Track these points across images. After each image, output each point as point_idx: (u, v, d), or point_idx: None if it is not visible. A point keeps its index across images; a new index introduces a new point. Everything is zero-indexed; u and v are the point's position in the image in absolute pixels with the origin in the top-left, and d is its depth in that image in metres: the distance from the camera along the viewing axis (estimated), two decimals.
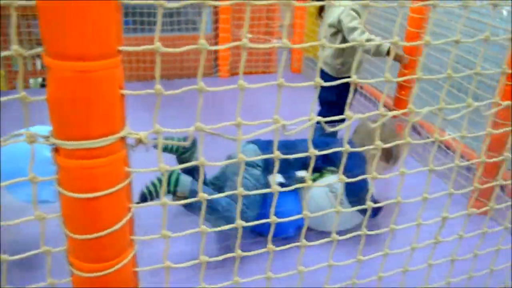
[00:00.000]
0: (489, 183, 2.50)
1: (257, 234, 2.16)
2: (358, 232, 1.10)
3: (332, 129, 0.91)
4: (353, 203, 2.14)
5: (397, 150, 2.44)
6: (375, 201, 1.08)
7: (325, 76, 2.89)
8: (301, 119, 0.91)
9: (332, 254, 1.10)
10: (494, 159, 1.18)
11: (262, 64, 4.75)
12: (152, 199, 1.98)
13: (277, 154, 0.91)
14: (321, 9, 2.98)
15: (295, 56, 4.86)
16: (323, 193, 2.33)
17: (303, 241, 1.05)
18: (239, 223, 0.96)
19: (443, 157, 2.86)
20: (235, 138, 0.86)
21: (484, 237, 1.28)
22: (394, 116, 0.97)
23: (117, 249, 0.88)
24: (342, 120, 0.92)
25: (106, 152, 0.77)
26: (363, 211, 1.12)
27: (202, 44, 0.83)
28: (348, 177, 1.01)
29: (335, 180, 1.08)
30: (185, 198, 1.94)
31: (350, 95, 0.92)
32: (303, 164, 2.18)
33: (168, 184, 1.96)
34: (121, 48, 0.74)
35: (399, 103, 3.23)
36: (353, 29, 2.65)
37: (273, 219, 0.99)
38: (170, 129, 0.81)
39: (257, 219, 1.16)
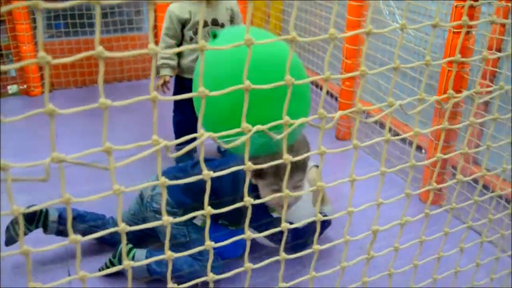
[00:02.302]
0: (440, 173, 2.43)
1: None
2: (309, 251, 0.96)
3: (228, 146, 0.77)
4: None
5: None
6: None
7: None
8: (190, 136, 0.77)
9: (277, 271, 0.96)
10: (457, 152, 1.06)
11: None
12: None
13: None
14: None
15: None
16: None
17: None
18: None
19: (399, 151, 2.76)
20: (107, 168, 0.71)
21: (447, 236, 1.16)
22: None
23: None
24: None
25: None
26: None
27: (152, 48, 0.68)
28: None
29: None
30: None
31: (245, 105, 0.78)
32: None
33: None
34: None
35: (344, 94, 3.12)
36: None
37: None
38: (21, 163, 0.66)
39: None
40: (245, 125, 0.77)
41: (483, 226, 1.33)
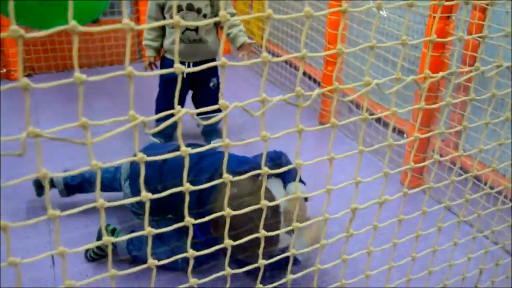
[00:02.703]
0: (420, 157, 2.45)
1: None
2: (286, 254, 0.97)
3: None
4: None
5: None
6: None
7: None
8: (167, 112, 0.77)
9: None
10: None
11: None
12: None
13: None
14: None
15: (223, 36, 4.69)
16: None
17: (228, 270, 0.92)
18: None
19: (374, 132, 2.79)
20: (84, 142, 0.70)
21: (425, 215, 1.17)
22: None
23: None
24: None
25: None
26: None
27: (127, 24, 0.67)
28: None
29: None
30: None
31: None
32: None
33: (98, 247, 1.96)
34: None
35: (327, 79, 3.13)
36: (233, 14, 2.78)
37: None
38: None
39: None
40: (222, 101, 0.77)
41: (461, 208, 1.35)
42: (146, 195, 0.79)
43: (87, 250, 1.98)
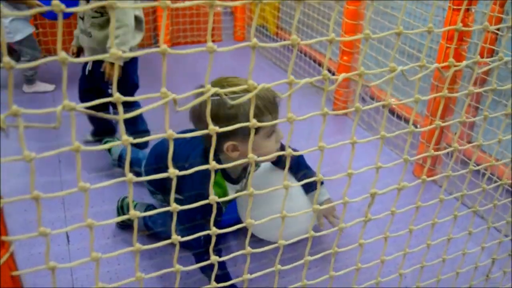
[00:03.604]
0: (434, 149, 2.46)
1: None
2: (305, 236, 0.99)
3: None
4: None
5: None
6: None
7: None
8: (198, 90, 0.79)
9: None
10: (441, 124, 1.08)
11: (206, 33, 4.57)
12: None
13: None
14: None
15: (238, 24, 4.70)
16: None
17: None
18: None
19: (388, 123, 2.79)
20: (116, 118, 0.72)
21: (441, 205, 1.19)
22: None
23: None
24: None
25: None
26: None
27: (163, 2, 0.69)
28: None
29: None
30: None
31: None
32: None
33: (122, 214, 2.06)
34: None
35: (342, 69, 3.14)
36: None
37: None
38: (31, 110, 0.67)
39: None
40: (250, 82, 0.78)
41: (472, 199, 1.36)
42: (173, 172, 0.81)
43: None
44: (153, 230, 1.97)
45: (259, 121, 0.81)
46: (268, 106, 1.51)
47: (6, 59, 0.62)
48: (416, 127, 2.84)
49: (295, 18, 0.77)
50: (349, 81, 3.19)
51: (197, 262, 0.97)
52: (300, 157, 1.94)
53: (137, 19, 2.40)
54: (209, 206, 0.88)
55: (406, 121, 2.82)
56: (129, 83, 2.55)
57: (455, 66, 0.97)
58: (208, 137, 0.80)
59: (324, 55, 3.75)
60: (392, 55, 0.91)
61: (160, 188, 2.01)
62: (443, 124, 1.01)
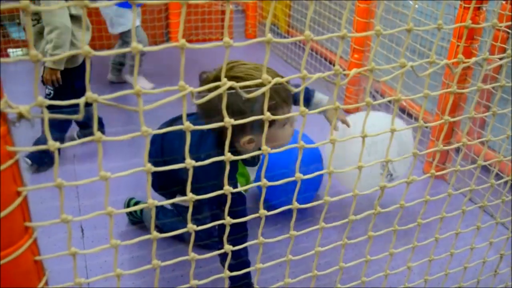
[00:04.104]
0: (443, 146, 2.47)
1: None
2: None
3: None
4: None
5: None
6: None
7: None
8: (213, 84, 0.82)
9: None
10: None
11: (217, 31, 4.62)
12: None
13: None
14: None
15: (250, 21, 4.74)
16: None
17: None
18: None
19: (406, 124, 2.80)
20: (136, 109, 0.75)
21: (450, 199, 1.21)
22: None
23: (9, 238, 0.77)
24: None
25: None
26: None
27: None
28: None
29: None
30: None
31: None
32: None
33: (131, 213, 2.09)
34: None
35: (353, 67, 3.15)
36: None
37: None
38: (57, 101, 0.70)
39: None
40: (265, 76, 0.81)
41: (480, 195, 1.38)
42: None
43: None
44: (162, 220, 1.96)
45: (274, 114, 0.84)
46: (283, 96, 1.50)
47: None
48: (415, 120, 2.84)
49: (308, 15, 0.80)
50: (360, 79, 3.21)
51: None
52: (306, 92, 1.87)
53: (74, 18, 2.29)
54: (231, 196, 0.90)
55: (417, 119, 2.83)
56: (68, 89, 2.36)
57: (464, 62, 1.00)
58: (224, 130, 0.83)
59: (334, 54, 3.77)
60: (402, 52, 0.93)
61: (163, 187, 1.89)
62: (451, 120, 1.03)
